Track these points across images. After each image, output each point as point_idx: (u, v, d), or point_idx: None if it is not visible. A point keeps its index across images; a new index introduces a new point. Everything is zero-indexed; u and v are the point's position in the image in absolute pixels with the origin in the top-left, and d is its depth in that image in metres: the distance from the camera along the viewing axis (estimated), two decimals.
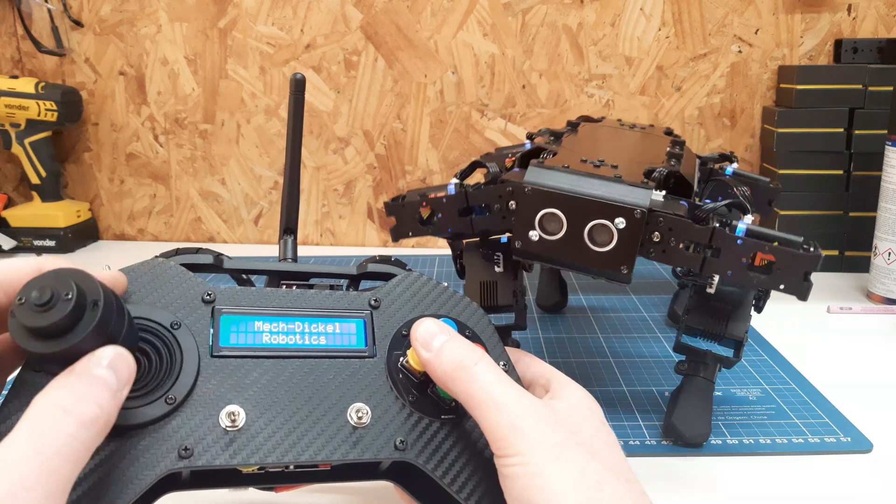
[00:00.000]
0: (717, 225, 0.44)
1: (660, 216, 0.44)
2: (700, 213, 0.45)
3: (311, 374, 0.34)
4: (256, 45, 0.99)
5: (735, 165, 0.63)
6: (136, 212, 1.07)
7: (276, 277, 0.39)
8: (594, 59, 0.96)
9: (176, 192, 1.05)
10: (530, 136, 0.63)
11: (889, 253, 0.77)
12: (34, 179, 1.00)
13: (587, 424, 0.33)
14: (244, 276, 0.40)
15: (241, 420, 0.31)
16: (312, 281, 0.39)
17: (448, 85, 0.98)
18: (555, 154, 0.49)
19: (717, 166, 0.63)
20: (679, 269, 0.61)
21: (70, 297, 0.26)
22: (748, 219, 0.45)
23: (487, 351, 0.36)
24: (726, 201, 0.46)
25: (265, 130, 1.02)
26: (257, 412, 0.32)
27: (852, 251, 0.88)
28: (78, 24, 1.00)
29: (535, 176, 0.45)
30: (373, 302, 0.37)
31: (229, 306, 0.34)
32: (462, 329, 0.37)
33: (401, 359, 0.35)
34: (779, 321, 0.73)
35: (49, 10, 0.99)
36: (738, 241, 0.43)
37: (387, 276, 0.39)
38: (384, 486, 0.40)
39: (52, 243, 0.99)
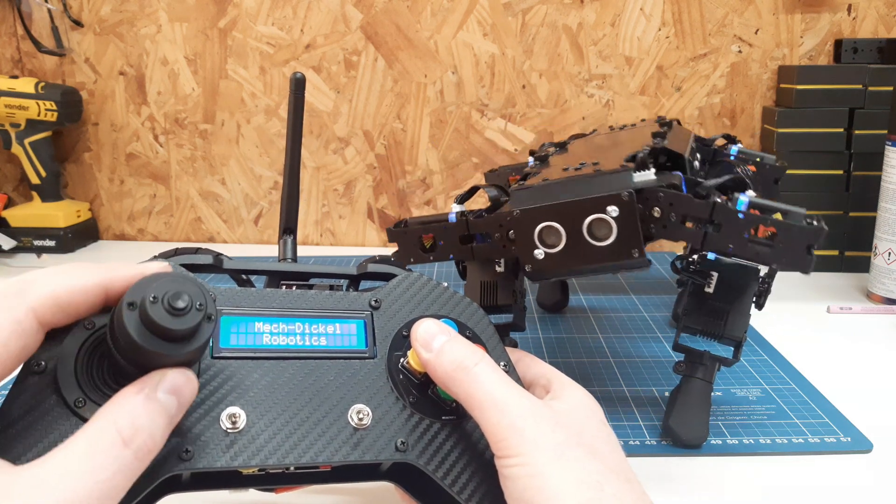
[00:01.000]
0: (718, 200, 0.44)
1: (660, 191, 0.44)
2: (700, 190, 0.45)
3: (311, 376, 0.34)
4: (256, 45, 0.99)
5: (739, 146, 0.63)
6: (136, 212, 1.07)
7: (275, 278, 0.39)
8: (594, 59, 0.96)
9: (176, 192, 1.05)
10: (533, 154, 0.64)
11: (889, 253, 0.77)
12: (34, 179, 1.00)
13: (588, 425, 0.33)
14: (244, 277, 0.40)
15: (242, 422, 0.31)
16: (312, 281, 0.39)
17: (448, 85, 0.98)
18: (538, 174, 0.50)
19: (721, 146, 0.63)
20: (679, 262, 0.60)
21: (201, 307, 0.27)
22: (750, 193, 0.44)
23: (488, 351, 0.36)
24: (726, 176, 0.46)
25: (265, 130, 1.02)
26: (258, 414, 0.32)
27: (852, 251, 0.88)
28: (78, 24, 1.00)
29: (519, 198, 0.46)
30: (373, 302, 0.37)
31: (229, 307, 0.34)
32: (462, 329, 0.37)
33: (401, 359, 0.35)
34: (779, 321, 0.73)
35: (49, 10, 0.99)
36: (740, 216, 0.43)
37: (387, 277, 0.39)
38: (384, 487, 0.40)
39: (52, 243, 0.99)
